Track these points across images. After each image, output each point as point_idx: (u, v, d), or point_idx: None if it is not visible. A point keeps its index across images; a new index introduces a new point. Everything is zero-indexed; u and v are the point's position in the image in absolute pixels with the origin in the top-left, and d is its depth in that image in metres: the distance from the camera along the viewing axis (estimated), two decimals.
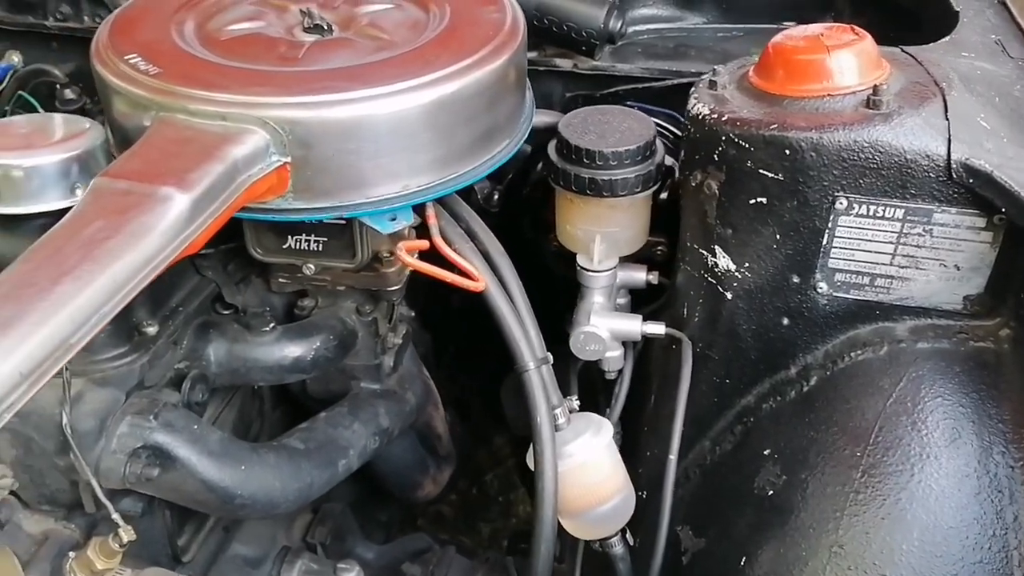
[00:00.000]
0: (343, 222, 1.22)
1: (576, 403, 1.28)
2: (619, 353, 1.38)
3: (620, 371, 1.40)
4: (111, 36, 1.18)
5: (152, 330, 1.16)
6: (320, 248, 1.26)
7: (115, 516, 1.08)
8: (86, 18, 1.82)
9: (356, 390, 1.42)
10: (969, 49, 1.37)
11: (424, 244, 1.14)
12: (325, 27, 1.22)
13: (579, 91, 1.63)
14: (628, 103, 1.55)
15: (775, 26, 1.77)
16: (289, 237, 1.26)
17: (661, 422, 1.38)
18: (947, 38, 1.40)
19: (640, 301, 1.50)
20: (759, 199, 1.19)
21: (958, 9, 1.49)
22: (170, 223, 0.93)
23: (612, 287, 1.39)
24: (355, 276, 1.31)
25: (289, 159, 1.06)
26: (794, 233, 1.19)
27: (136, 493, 1.17)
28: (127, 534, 1.08)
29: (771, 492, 1.17)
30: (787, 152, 1.15)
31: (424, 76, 1.10)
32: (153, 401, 1.15)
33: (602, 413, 1.38)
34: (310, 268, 1.28)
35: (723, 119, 1.20)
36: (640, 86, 1.62)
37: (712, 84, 1.27)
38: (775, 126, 1.16)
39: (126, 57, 1.12)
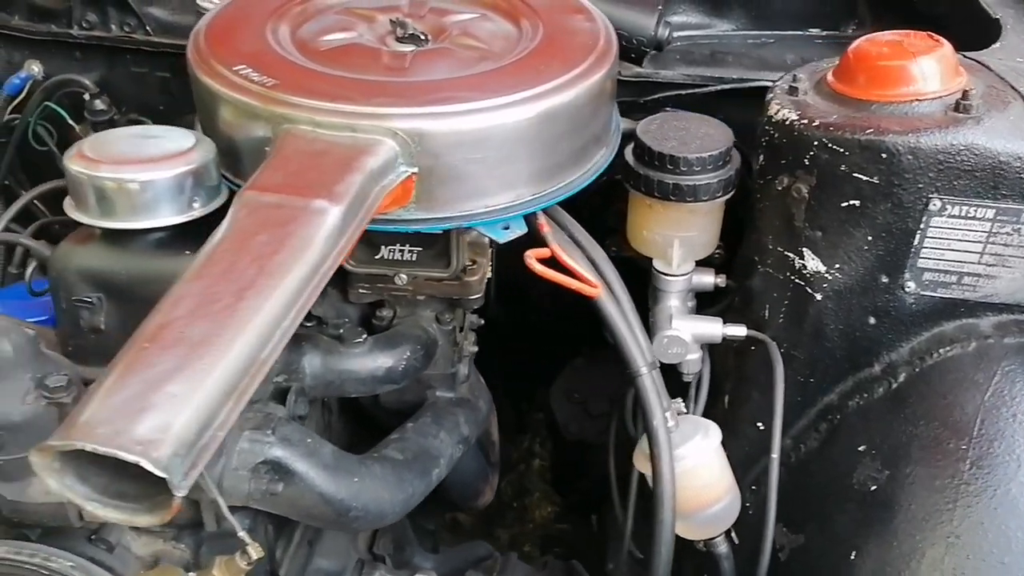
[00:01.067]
0: (439, 231, 1.22)
1: (682, 406, 1.30)
2: (698, 356, 1.40)
3: (697, 374, 1.42)
4: (210, 46, 1.16)
5: None
6: (414, 258, 1.26)
7: (242, 534, 1.06)
8: (113, 27, 1.79)
9: (432, 399, 1.42)
10: (1022, 55, 1.42)
11: (547, 252, 1.15)
12: (422, 37, 1.22)
13: (622, 98, 1.64)
14: (666, 109, 1.57)
15: (802, 33, 1.83)
16: (382, 247, 1.25)
17: (739, 423, 1.40)
18: (997, 44, 1.45)
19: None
20: (852, 202, 1.22)
21: (997, 16, 1.54)
22: (327, 235, 0.93)
23: (687, 291, 1.41)
24: (438, 285, 1.31)
25: (416, 169, 1.06)
26: (886, 234, 1.22)
27: (244, 509, 1.16)
28: (256, 551, 1.06)
29: (874, 487, 1.20)
30: (883, 156, 1.18)
31: (541, 85, 1.11)
32: (268, 416, 1.14)
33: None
34: (402, 278, 1.28)
35: (814, 124, 1.23)
36: (684, 92, 1.64)
37: (792, 90, 1.30)
38: (871, 130, 1.19)
39: (235, 68, 1.11)
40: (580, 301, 1.88)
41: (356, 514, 1.17)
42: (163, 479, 0.71)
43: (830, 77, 1.30)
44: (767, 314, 1.36)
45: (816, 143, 1.22)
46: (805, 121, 1.24)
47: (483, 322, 1.47)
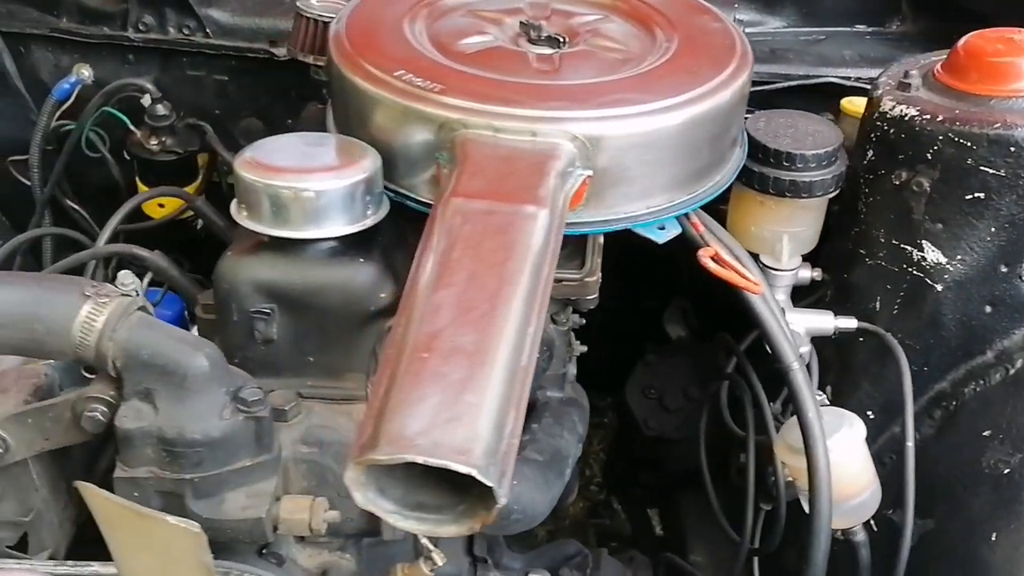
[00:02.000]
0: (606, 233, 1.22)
1: (826, 398, 1.33)
2: (808, 348, 1.42)
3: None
4: (359, 51, 1.14)
5: None
6: None
7: (424, 540, 1.06)
8: (171, 29, 1.75)
9: (544, 399, 1.42)
10: None
11: (712, 251, 1.16)
12: (560, 39, 1.22)
13: None
14: None
15: (850, 29, 1.87)
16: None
17: None
18: None
19: None
20: (977, 194, 1.26)
21: None
22: (542, 240, 0.93)
23: (791, 286, 1.43)
24: (558, 286, 1.31)
25: (591, 172, 1.06)
26: (1009, 225, 1.27)
27: None
28: (440, 558, 1.06)
29: (1007, 471, 1.24)
30: (1012, 149, 1.23)
31: (702, 87, 1.12)
32: None
33: None
34: None
35: (938, 119, 1.26)
36: (753, 89, 1.67)
37: (904, 85, 1.33)
38: (998, 125, 1.23)
39: (396, 74, 1.10)
40: (628, 298, 1.89)
41: (517, 516, 1.18)
42: (479, 487, 0.71)
43: (939, 72, 1.34)
44: (877, 306, 1.39)
45: (941, 137, 1.26)
46: (927, 116, 1.28)
47: (584, 322, 1.47)
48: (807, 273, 1.47)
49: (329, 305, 1.07)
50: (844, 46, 1.81)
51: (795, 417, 1.25)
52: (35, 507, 1.09)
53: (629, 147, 1.07)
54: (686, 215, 1.19)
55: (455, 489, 0.74)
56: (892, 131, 1.32)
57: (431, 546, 1.06)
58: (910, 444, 1.28)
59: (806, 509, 1.26)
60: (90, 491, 0.81)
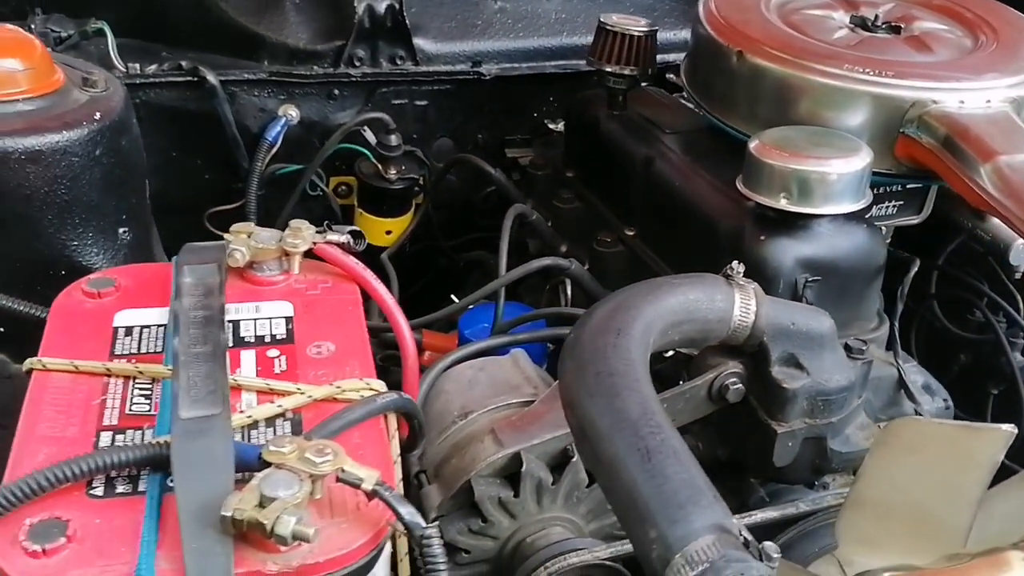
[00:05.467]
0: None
1: None
2: None
3: None
4: (798, 55, 1.33)
5: None
6: (895, 211, 1.50)
7: None
8: (383, 62, 1.83)
9: None
10: None
11: None
12: (901, 27, 1.46)
13: None
14: None
15: None
16: (872, 207, 1.48)
17: None
18: None
19: None
20: None
21: None
22: None
23: None
24: None
25: None
26: None
27: None
28: None
29: None
30: None
31: None
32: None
33: None
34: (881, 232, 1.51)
35: None
36: None
37: None
38: None
39: (846, 67, 1.30)
40: None
41: None
42: None
43: None
44: None
45: None
46: None
47: None
48: None
49: (850, 267, 1.27)
50: None
51: None
52: None
53: None
54: None
55: None
56: None
57: None
58: None
59: None
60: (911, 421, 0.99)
